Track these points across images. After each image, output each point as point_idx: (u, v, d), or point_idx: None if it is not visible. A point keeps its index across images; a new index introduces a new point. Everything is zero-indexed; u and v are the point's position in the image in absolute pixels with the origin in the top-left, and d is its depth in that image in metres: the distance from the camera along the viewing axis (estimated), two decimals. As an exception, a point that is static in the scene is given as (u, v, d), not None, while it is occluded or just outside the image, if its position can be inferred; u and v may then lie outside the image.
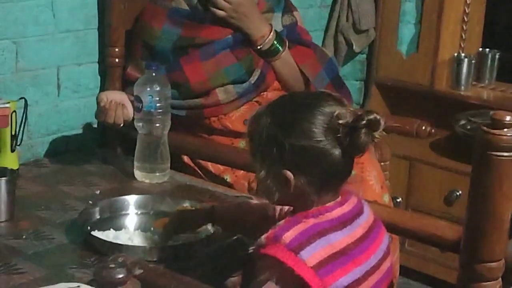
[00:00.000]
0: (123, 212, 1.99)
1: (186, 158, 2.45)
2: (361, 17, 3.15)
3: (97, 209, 1.95)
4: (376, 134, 1.44)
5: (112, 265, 1.26)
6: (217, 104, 2.41)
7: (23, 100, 2.28)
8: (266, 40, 2.43)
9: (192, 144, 2.39)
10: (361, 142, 1.43)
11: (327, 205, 1.48)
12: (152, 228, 1.90)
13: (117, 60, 2.51)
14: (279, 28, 2.50)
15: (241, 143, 2.42)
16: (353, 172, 2.15)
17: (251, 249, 1.52)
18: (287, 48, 2.47)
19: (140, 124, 2.21)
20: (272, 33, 2.43)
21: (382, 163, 2.51)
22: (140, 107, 2.18)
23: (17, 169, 2.21)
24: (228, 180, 2.38)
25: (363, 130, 1.42)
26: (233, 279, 1.83)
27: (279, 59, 2.46)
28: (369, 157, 2.38)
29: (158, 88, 2.18)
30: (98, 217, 1.94)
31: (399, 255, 2.47)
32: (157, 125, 2.20)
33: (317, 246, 1.42)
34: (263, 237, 1.45)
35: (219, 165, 2.38)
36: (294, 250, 1.40)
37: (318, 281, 1.39)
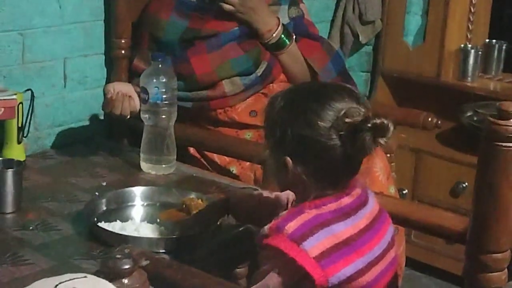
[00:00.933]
0: (130, 204, 1.99)
1: (192, 150, 2.45)
2: (367, 8, 3.14)
3: (104, 200, 1.96)
4: (381, 140, 1.43)
5: (118, 256, 1.26)
6: (223, 96, 2.41)
7: (30, 91, 2.28)
8: (274, 34, 2.43)
9: (198, 136, 2.40)
10: (363, 144, 1.42)
11: (325, 197, 1.48)
12: (158, 220, 1.91)
13: (123, 51, 2.51)
14: (285, 20, 2.49)
15: (247, 135, 2.43)
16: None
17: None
18: (294, 41, 2.47)
19: (147, 115, 2.21)
20: (279, 27, 2.43)
21: (388, 155, 2.51)
22: (147, 98, 2.18)
23: (24, 161, 2.21)
24: (234, 171, 2.39)
25: (367, 133, 1.41)
26: (240, 270, 1.83)
27: (286, 53, 2.46)
28: (375, 148, 2.37)
29: (164, 80, 2.18)
30: (104, 208, 1.94)
31: (405, 246, 2.48)
32: (163, 116, 2.20)
33: (319, 236, 1.42)
34: (266, 227, 1.46)
35: (225, 157, 2.38)
36: (297, 240, 1.41)
37: (320, 272, 1.40)
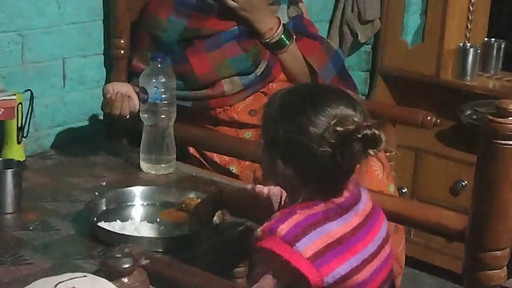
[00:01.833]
0: (129, 203, 2.00)
1: (191, 149, 2.45)
2: (366, 8, 3.15)
3: (104, 200, 1.96)
4: (371, 151, 1.42)
5: (118, 255, 1.26)
6: (222, 95, 2.41)
7: (29, 92, 2.28)
8: (275, 34, 2.43)
9: (197, 135, 2.40)
10: (352, 154, 1.41)
11: (314, 200, 1.48)
12: (158, 219, 1.91)
13: (122, 51, 2.51)
14: (285, 19, 2.50)
15: (247, 134, 2.43)
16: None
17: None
18: (294, 41, 2.47)
19: (146, 115, 2.21)
20: (280, 27, 2.43)
21: (387, 153, 2.51)
22: (146, 98, 2.18)
23: (24, 161, 2.21)
24: (233, 171, 2.39)
25: (357, 143, 1.40)
26: (240, 269, 1.83)
27: (286, 52, 2.46)
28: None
29: (163, 80, 2.18)
30: (104, 208, 1.95)
31: (405, 245, 2.47)
32: (163, 116, 2.20)
33: (312, 237, 1.42)
34: (258, 229, 1.46)
35: (224, 156, 2.38)
36: (290, 242, 1.41)
37: (315, 272, 1.40)
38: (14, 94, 2.17)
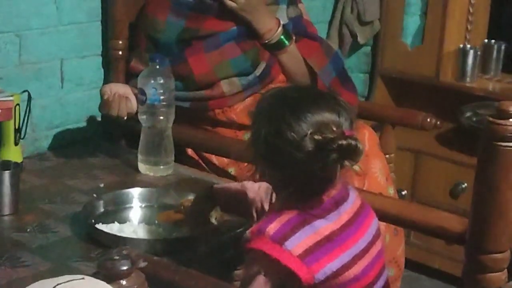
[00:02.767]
0: (127, 205, 2.00)
1: (190, 151, 2.45)
2: (365, 9, 3.15)
3: (101, 202, 1.96)
4: (348, 162, 1.42)
5: (116, 257, 1.26)
6: (221, 96, 2.41)
7: (27, 93, 2.28)
8: (274, 35, 2.43)
9: (196, 137, 2.40)
10: (326, 163, 1.41)
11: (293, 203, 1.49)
12: (156, 221, 1.91)
13: (120, 52, 2.51)
14: (284, 20, 2.49)
15: (246, 135, 2.43)
16: (357, 165, 2.17)
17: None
18: (293, 42, 2.47)
19: (144, 117, 2.21)
20: (279, 28, 2.43)
21: (387, 156, 2.51)
22: (144, 99, 2.18)
23: (21, 163, 2.21)
24: (232, 173, 2.39)
25: (332, 154, 1.40)
26: (239, 272, 1.83)
27: (285, 53, 2.46)
28: (374, 149, 2.38)
29: (161, 81, 2.18)
30: (102, 210, 1.95)
31: (405, 248, 2.48)
32: (161, 118, 2.20)
33: (301, 235, 1.44)
34: (248, 231, 1.48)
35: (223, 158, 2.38)
36: (279, 241, 1.42)
37: (305, 269, 1.41)
38: (12, 95, 2.17)
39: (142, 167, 2.25)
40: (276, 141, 1.45)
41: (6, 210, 1.94)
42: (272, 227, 1.44)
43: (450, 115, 3.08)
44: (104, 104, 2.27)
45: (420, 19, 3.24)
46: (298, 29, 2.53)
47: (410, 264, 2.80)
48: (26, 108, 2.27)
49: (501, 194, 1.46)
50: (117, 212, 1.96)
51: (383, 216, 1.88)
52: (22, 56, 2.36)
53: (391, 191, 2.40)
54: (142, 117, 2.22)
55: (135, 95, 2.26)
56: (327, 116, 1.45)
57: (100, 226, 1.84)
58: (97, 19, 2.52)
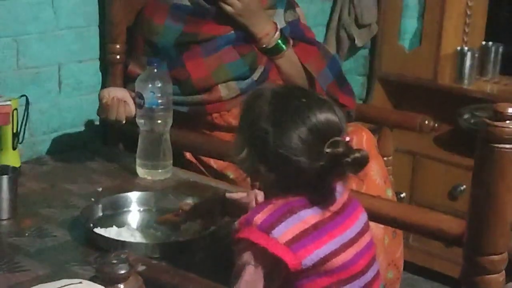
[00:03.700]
0: (126, 209, 2.00)
1: (188, 155, 2.45)
2: (363, 12, 3.15)
3: (100, 206, 1.96)
4: (355, 171, 1.46)
5: (114, 261, 1.27)
6: (219, 100, 2.41)
7: (25, 97, 2.28)
8: (271, 39, 2.43)
9: (194, 141, 2.40)
10: (338, 175, 1.46)
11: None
12: (154, 225, 1.91)
13: (118, 56, 2.51)
14: (281, 24, 2.50)
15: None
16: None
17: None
18: (291, 46, 2.47)
19: (142, 120, 2.21)
20: (277, 32, 2.43)
21: (385, 158, 2.51)
22: (142, 103, 2.18)
23: (19, 167, 2.21)
24: (231, 176, 2.39)
25: (346, 167, 1.44)
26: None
27: (283, 57, 2.46)
28: (372, 152, 2.38)
29: (159, 85, 2.18)
30: (100, 214, 1.95)
31: (403, 250, 2.48)
32: (159, 121, 2.20)
33: (288, 223, 1.46)
34: (236, 222, 1.50)
35: (221, 162, 2.38)
36: (266, 230, 1.44)
37: (292, 256, 1.43)
38: (9, 100, 2.17)
39: (140, 171, 2.25)
40: (288, 153, 1.46)
41: (4, 214, 1.94)
42: (259, 217, 1.46)
43: (448, 117, 3.08)
44: (103, 108, 2.27)
45: (417, 22, 3.24)
46: (296, 33, 2.53)
47: (409, 267, 2.80)
48: (24, 112, 2.27)
49: (498, 196, 1.46)
50: (115, 216, 1.96)
51: (381, 219, 1.88)
52: (19, 60, 2.36)
53: (390, 194, 2.40)
54: (140, 121, 2.22)
55: (133, 99, 2.26)
56: (330, 118, 1.48)
57: (98, 230, 1.84)
58: (94, 23, 2.52)
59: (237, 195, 1.81)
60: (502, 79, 3.19)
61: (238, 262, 1.47)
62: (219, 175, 2.39)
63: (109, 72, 2.54)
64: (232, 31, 2.42)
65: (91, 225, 1.86)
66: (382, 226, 2.23)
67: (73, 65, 2.50)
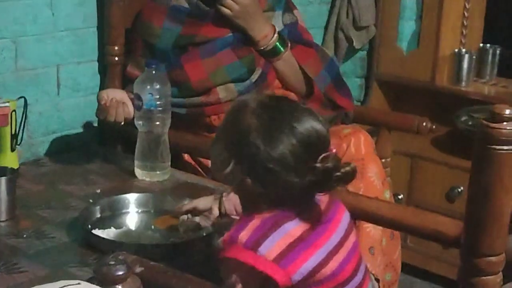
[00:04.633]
0: (124, 211, 2.00)
1: (186, 156, 2.45)
2: (361, 14, 3.15)
3: (98, 207, 1.96)
4: (344, 183, 1.46)
5: (113, 263, 1.26)
6: (217, 103, 2.41)
7: (23, 99, 2.28)
8: (269, 42, 2.43)
9: (192, 142, 2.40)
10: (328, 187, 1.46)
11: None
12: (152, 226, 1.91)
13: (116, 58, 2.52)
14: (279, 26, 2.50)
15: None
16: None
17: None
18: (289, 48, 2.47)
19: (140, 122, 2.21)
20: (275, 35, 2.43)
21: (383, 160, 2.51)
22: (140, 105, 2.19)
23: (18, 169, 2.21)
24: (228, 178, 2.38)
25: (336, 181, 1.45)
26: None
27: (281, 60, 2.46)
28: (370, 153, 2.38)
29: (158, 86, 2.18)
30: (98, 215, 1.95)
31: (401, 251, 2.48)
32: (157, 123, 2.20)
33: (274, 238, 1.43)
34: (219, 241, 1.49)
35: (219, 163, 2.38)
36: (252, 247, 1.42)
37: (281, 272, 1.41)
38: (8, 101, 2.17)
39: (138, 172, 2.25)
40: (279, 168, 1.44)
41: (3, 216, 1.94)
42: (244, 234, 1.43)
43: (445, 119, 3.08)
44: (101, 109, 2.27)
45: (415, 24, 3.25)
46: (294, 35, 2.53)
47: (407, 268, 2.80)
48: (23, 114, 2.27)
49: (495, 198, 1.46)
50: (113, 217, 1.97)
51: (379, 220, 1.88)
52: (18, 62, 2.36)
53: (387, 195, 2.40)
54: (138, 123, 2.22)
55: (132, 100, 2.26)
56: (316, 128, 1.46)
57: (96, 231, 1.84)
58: (93, 25, 2.52)
59: (236, 196, 1.81)
60: (499, 81, 3.19)
61: (227, 281, 1.45)
62: (217, 177, 2.38)
63: (107, 74, 2.54)
64: (230, 34, 2.42)
65: (89, 226, 1.86)
66: (380, 227, 2.23)
67: (71, 67, 2.50)
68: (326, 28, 3.23)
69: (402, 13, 3.23)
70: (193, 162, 2.45)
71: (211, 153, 1.54)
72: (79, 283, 1.18)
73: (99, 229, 1.87)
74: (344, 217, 1.57)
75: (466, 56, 3.10)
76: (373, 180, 2.34)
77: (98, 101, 2.28)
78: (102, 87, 2.53)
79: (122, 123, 2.27)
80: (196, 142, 2.41)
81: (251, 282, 1.43)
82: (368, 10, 3.17)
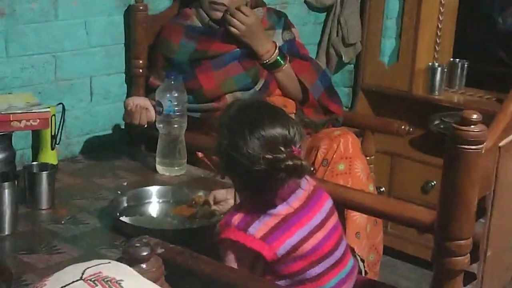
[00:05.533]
0: (147, 201, 2.00)
1: (200, 154, 2.46)
2: (349, 33, 3.15)
3: (125, 198, 1.97)
4: (294, 178, 1.46)
5: (137, 245, 1.26)
6: (226, 108, 2.41)
7: (61, 105, 2.29)
8: (271, 56, 2.43)
9: (205, 142, 2.39)
10: (276, 179, 1.45)
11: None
12: (171, 214, 1.91)
13: (141, 70, 2.52)
14: (280, 43, 2.50)
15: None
16: (342, 166, 2.19)
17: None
18: (288, 61, 2.47)
19: (161, 125, 2.21)
20: (276, 50, 2.44)
21: (367, 158, 2.51)
22: (161, 110, 2.19)
23: (57, 165, 2.22)
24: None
25: (282, 172, 1.44)
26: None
27: (281, 71, 2.47)
28: (357, 152, 2.38)
29: (176, 94, 2.19)
30: (125, 205, 1.96)
31: (383, 236, 2.48)
32: (175, 126, 2.21)
33: (261, 221, 1.48)
34: (217, 225, 1.53)
35: (228, 160, 2.38)
36: (243, 228, 1.47)
37: (267, 247, 1.46)
38: (48, 107, 2.17)
39: (159, 168, 2.25)
40: (235, 154, 1.46)
41: (44, 205, 1.95)
42: (236, 218, 1.49)
43: (421, 123, 3.08)
44: (127, 114, 2.27)
45: (395, 41, 3.24)
46: (292, 50, 2.53)
47: (388, 251, 2.80)
48: (61, 118, 2.27)
49: (463, 190, 1.46)
50: (138, 206, 1.97)
51: (364, 209, 1.88)
52: (57, 73, 2.37)
53: (371, 188, 2.40)
54: (159, 126, 2.22)
55: (154, 106, 2.26)
56: (280, 132, 1.46)
57: (123, 218, 1.85)
58: (121, 42, 2.52)
59: None
60: (467, 90, 3.18)
61: (223, 259, 1.49)
62: (226, 172, 2.38)
63: (133, 84, 2.54)
64: (238, 49, 2.43)
65: (118, 214, 1.87)
66: (365, 216, 2.23)
67: (102, 78, 2.50)
68: (319, 44, 3.22)
69: (384, 32, 3.22)
70: (205, 159, 2.46)
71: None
72: (109, 262, 1.18)
73: (126, 216, 1.87)
74: (326, 204, 1.59)
75: (439, 69, 3.09)
76: (360, 175, 2.34)
77: (125, 107, 2.28)
78: (129, 95, 2.54)
79: (145, 126, 2.27)
80: (208, 142, 2.40)
81: (244, 258, 1.48)
82: (355, 29, 3.17)
